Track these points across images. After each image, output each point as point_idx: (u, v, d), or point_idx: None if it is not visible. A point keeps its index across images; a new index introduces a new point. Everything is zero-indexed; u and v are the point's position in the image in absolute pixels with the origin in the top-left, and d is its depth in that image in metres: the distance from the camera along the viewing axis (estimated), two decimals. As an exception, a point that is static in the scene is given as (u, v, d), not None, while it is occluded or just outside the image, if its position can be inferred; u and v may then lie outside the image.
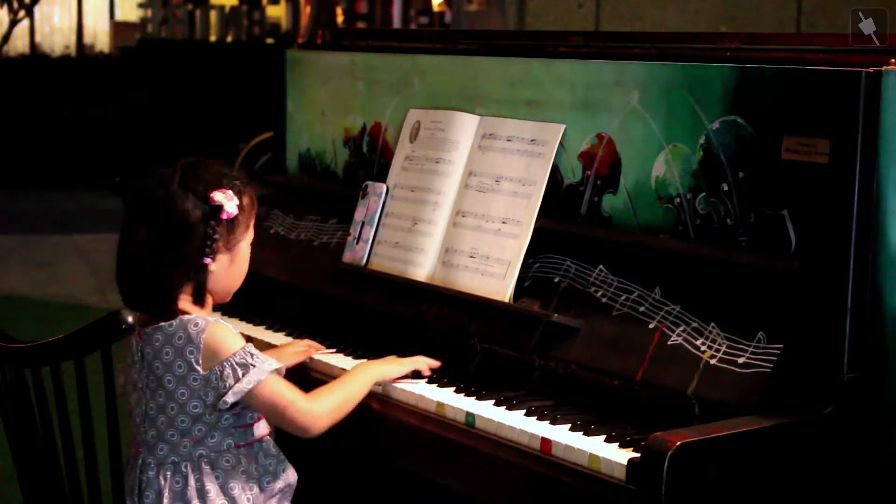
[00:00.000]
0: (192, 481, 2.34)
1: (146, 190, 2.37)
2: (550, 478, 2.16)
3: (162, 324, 2.34)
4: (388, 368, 2.52)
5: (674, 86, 2.38)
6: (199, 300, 2.38)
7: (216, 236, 2.36)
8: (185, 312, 2.35)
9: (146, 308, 2.36)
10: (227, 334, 2.33)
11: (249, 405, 2.35)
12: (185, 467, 2.35)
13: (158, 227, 2.33)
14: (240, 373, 2.30)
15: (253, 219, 2.46)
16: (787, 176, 2.19)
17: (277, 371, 2.35)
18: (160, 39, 14.60)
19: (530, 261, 2.57)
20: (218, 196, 2.35)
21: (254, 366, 2.31)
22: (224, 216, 2.36)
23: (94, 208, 10.70)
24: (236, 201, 2.38)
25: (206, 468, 2.36)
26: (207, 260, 2.35)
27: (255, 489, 2.38)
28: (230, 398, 2.29)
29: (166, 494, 2.34)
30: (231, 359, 2.30)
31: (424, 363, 2.55)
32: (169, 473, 2.35)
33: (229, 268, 2.41)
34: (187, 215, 2.34)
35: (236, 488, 2.36)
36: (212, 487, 2.35)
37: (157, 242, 2.33)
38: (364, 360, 2.59)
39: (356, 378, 2.47)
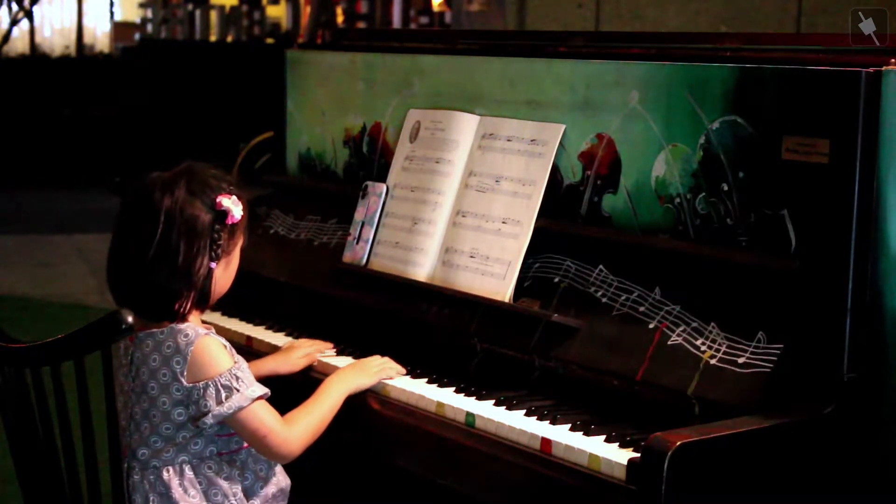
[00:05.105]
0: (174, 486, 2.34)
1: (148, 196, 2.34)
2: (550, 478, 2.16)
3: (154, 330, 2.34)
4: (360, 381, 2.51)
5: (674, 86, 2.38)
6: (201, 304, 2.39)
7: (220, 241, 2.36)
8: (186, 318, 2.36)
9: (147, 313, 2.35)
10: (216, 350, 2.33)
11: (230, 427, 2.35)
12: (168, 472, 2.35)
13: (165, 234, 2.31)
14: (223, 395, 2.30)
15: (246, 223, 2.45)
16: (787, 176, 2.19)
17: (262, 397, 2.34)
18: (160, 39, 14.61)
19: (530, 261, 2.57)
20: (225, 202, 2.36)
21: (237, 390, 2.30)
22: (230, 221, 2.36)
23: (94, 208, 10.69)
24: (241, 206, 2.38)
25: (189, 474, 2.36)
26: (214, 264, 2.36)
27: (240, 495, 2.38)
28: (209, 420, 2.30)
29: (151, 499, 2.35)
30: (217, 379, 2.30)
31: (394, 370, 2.55)
32: (152, 478, 2.35)
33: (223, 272, 2.41)
34: (196, 221, 2.34)
35: (219, 494, 2.36)
36: (195, 493, 2.35)
37: (164, 249, 2.31)
38: (338, 370, 2.58)
39: (330, 396, 2.46)
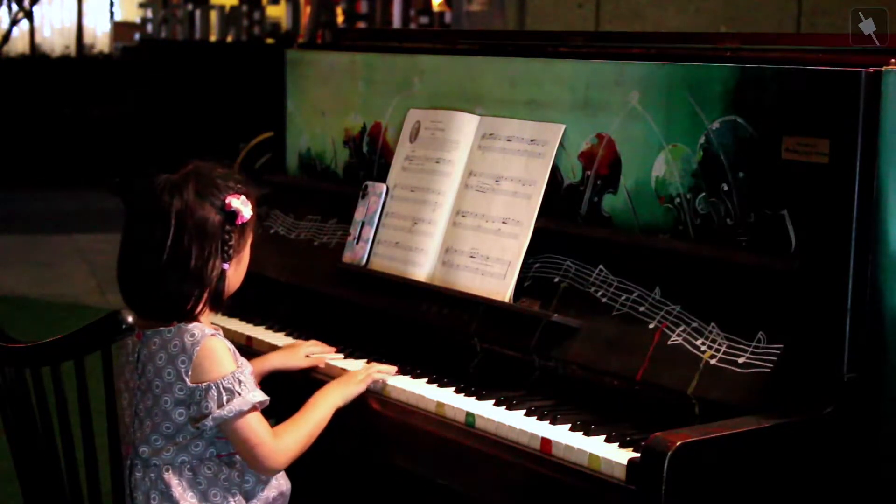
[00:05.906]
0: (174, 485, 2.35)
1: (157, 199, 2.34)
2: (550, 478, 2.16)
3: (161, 328, 2.34)
4: (348, 391, 2.51)
5: (674, 86, 2.38)
6: (216, 305, 2.39)
7: (231, 242, 2.36)
8: (198, 318, 2.36)
9: (159, 315, 2.35)
10: (221, 352, 2.33)
11: (223, 432, 2.35)
12: (168, 471, 2.35)
13: (177, 238, 2.31)
14: (224, 398, 2.30)
15: (255, 219, 2.46)
16: (787, 176, 2.19)
17: (260, 404, 2.34)
18: (160, 39, 14.59)
19: (530, 261, 2.57)
20: (235, 202, 2.36)
21: (239, 394, 2.30)
22: (239, 221, 2.37)
23: (94, 208, 10.70)
24: (250, 205, 2.38)
25: (189, 474, 2.36)
26: (226, 265, 2.36)
27: (238, 496, 2.38)
28: (209, 422, 2.31)
29: (153, 496, 2.35)
30: (220, 381, 2.30)
31: (382, 375, 2.54)
32: (153, 475, 2.36)
33: (235, 270, 2.42)
34: (207, 223, 2.34)
35: (218, 496, 2.36)
36: (194, 494, 2.35)
37: (177, 253, 2.31)
38: (325, 385, 2.55)
39: (319, 409, 2.45)
